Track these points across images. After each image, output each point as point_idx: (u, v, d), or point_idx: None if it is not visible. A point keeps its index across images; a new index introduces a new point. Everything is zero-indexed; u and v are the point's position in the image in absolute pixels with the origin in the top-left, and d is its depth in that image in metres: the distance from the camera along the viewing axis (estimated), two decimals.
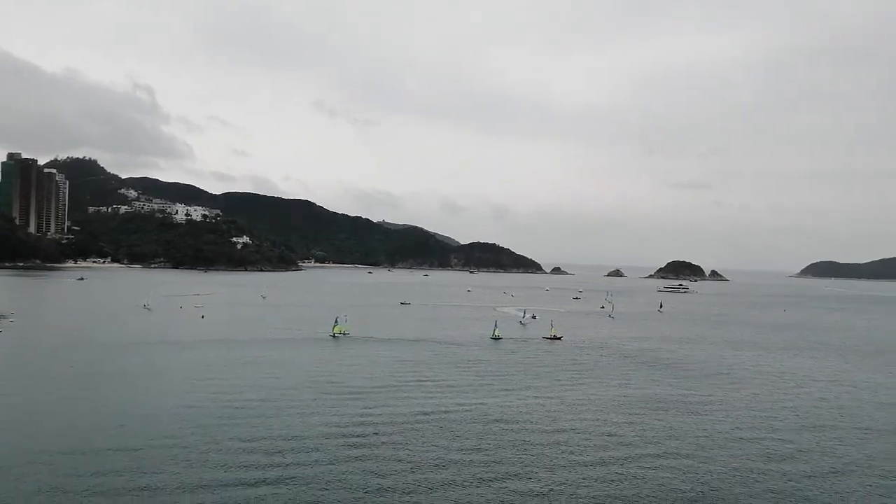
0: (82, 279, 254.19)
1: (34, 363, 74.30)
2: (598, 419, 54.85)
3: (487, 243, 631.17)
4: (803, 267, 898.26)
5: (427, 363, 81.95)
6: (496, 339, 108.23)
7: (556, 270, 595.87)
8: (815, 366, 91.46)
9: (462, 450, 44.95)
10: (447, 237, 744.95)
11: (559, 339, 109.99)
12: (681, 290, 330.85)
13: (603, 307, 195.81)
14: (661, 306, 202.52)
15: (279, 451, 43.14)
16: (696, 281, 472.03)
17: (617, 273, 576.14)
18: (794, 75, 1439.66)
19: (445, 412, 55.26)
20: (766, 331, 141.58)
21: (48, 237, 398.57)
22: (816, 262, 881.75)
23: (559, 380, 73.53)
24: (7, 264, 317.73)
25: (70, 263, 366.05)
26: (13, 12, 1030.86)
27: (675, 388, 69.73)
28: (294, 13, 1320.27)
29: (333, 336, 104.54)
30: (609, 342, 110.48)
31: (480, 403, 59.11)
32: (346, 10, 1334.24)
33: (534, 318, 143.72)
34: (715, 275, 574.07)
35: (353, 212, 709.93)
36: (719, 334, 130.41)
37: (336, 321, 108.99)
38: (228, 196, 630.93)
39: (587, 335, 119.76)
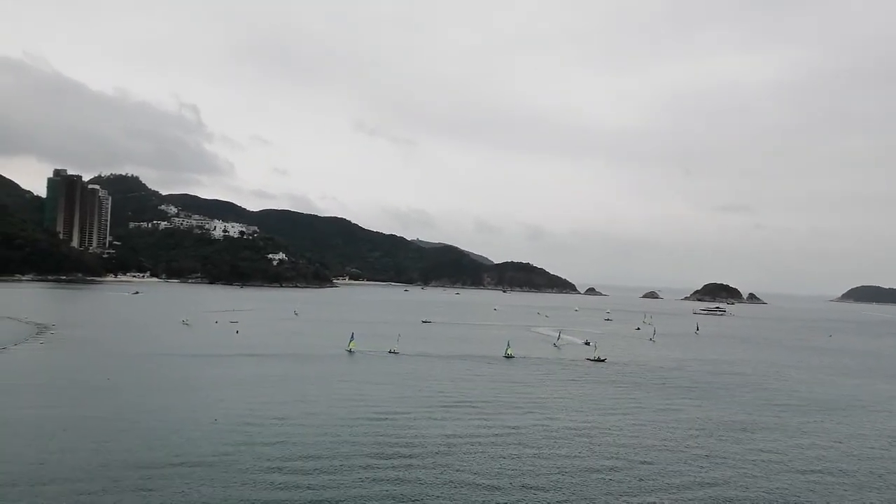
0: (137, 293, 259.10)
1: (72, 375, 75.47)
2: (640, 443, 53.68)
3: (521, 263, 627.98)
4: (844, 291, 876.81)
5: (456, 382, 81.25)
6: (509, 357, 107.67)
7: (591, 291, 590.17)
8: (864, 393, 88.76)
9: (499, 480, 44.27)
10: (481, 256, 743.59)
11: (603, 360, 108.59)
12: (717, 313, 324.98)
13: (639, 329, 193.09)
14: (697, 329, 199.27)
15: (313, 471, 43.01)
16: (732, 304, 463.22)
17: (652, 295, 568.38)
18: (830, 96, 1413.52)
19: (486, 434, 54.56)
20: (814, 356, 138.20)
21: (90, 251, 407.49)
22: (858, 287, 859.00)
23: (607, 404, 72.30)
24: (50, 277, 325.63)
25: (110, 277, 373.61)
26: (61, 29, 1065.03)
27: (725, 413, 68.05)
28: (329, 31, 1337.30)
29: (350, 351, 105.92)
30: (652, 364, 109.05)
31: (531, 426, 58.30)
32: (378, 28, 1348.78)
33: (587, 343, 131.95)
34: (752, 298, 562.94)
35: (388, 230, 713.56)
36: (762, 357, 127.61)
37: (352, 336, 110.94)
38: (265, 213, 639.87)
39: (629, 357, 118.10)
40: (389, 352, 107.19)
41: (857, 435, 61.78)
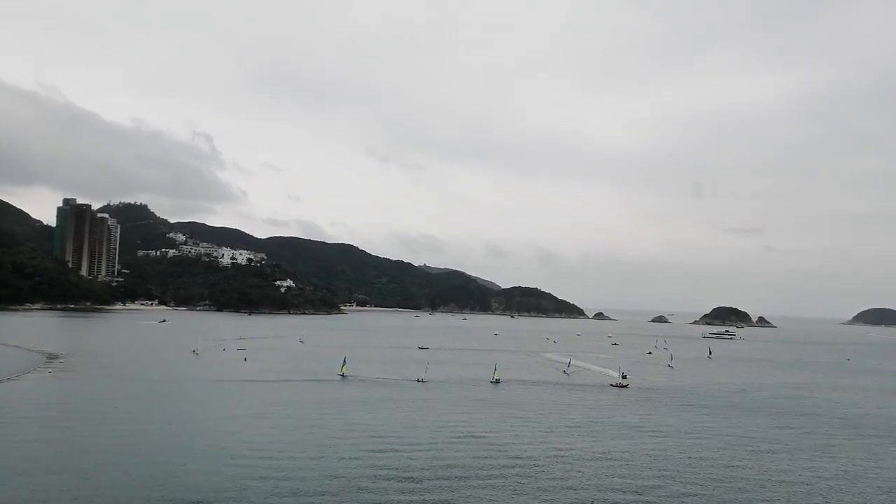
0: (165, 321, 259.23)
1: (77, 404, 75.19)
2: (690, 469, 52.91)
3: (528, 287, 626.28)
4: (855, 314, 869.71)
5: (467, 410, 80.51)
6: (496, 382, 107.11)
7: (599, 316, 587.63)
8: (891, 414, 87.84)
9: None
10: (489, 281, 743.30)
11: (625, 386, 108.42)
12: (727, 337, 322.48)
13: (650, 353, 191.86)
14: (710, 353, 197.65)
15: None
16: (742, 327, 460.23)
17: (661, 319, 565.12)
18: (840, 115, 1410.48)
19: (505, 464, 53.90)
20: (838, 378, 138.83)
21: (99, 280, 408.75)
22: (869, 310, 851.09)
23: (646, 428, 72.68)
24: (59, 306, 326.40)
25: (119, 305, 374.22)
26: (74, 60, 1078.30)
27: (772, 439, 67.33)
28: (340, 58, 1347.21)
29: (342, 376, 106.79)
30: (674, 389, 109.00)
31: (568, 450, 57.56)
32: (389, 54, 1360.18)
33: (624, 377, 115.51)
34: (762, 321, 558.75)
35: (398, 256, 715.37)
36: (786, 381, 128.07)
37: (344, 361, 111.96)
38: (273, 240, 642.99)
39: (649, 382, 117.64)
40: (417, 380, 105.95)
41: (879, 459, 60.82)
